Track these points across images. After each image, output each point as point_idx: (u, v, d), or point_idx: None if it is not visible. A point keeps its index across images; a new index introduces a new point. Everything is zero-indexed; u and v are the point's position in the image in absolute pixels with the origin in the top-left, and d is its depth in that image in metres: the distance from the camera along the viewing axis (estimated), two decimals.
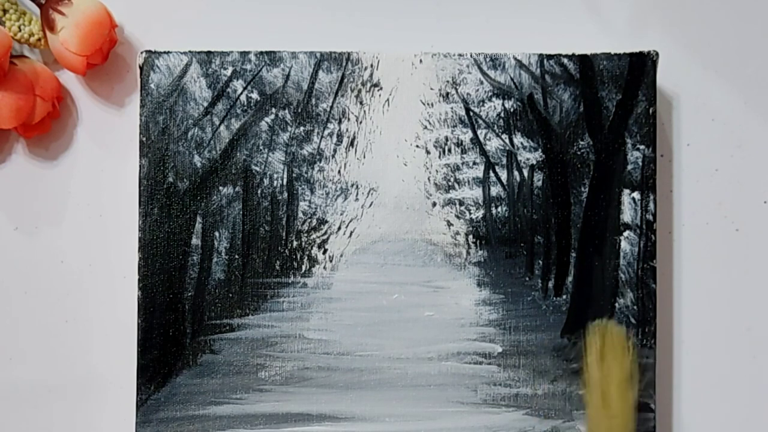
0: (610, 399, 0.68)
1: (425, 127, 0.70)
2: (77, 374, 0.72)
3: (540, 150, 0.70)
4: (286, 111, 0.70)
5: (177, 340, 0.69)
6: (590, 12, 0.74)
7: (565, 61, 0.70)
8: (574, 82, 0.70)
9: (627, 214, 0.70)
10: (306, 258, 0.70)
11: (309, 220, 0.70)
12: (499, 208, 0.70)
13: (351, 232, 0.70)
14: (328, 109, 0.70)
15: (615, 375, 0.68)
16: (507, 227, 0.70)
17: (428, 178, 0.70)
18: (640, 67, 0.70)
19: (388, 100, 0.70)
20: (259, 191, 0.70)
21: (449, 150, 0.70)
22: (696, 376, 0.72)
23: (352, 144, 0.70)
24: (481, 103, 0.70)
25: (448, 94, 0.70)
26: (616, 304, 0.69)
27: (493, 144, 0.70)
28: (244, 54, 0.70)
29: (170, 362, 0.69)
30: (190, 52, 0.70)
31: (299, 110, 0.70)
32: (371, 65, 0.70)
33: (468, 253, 0.70)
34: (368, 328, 0.69)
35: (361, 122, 0.70)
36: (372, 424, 0.69)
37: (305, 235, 0.70)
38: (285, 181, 0.70)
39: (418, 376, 0.69)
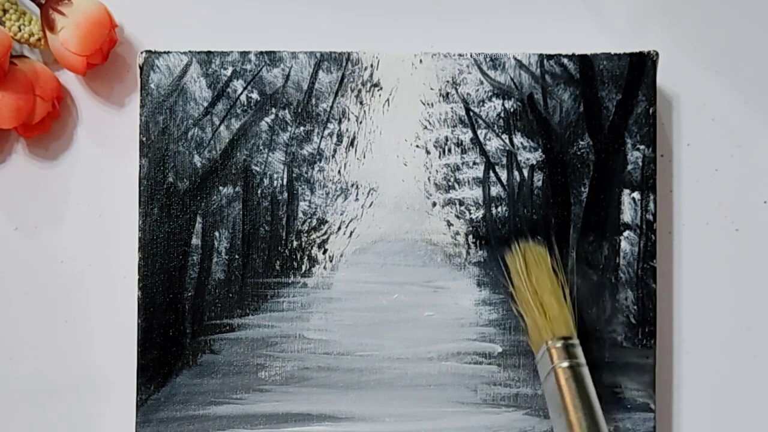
0: (547, 306, 0.67)
1: (425, 127, 0.70)
2: (77, 374, 0.72)
3: (540, 150, 0.70)
4: (286, 111, 0.70)
5: (177, 340, 0.69)
6: (590, 12, 0.74)
7: (565, 61, 0.70)
8: (574, 82, 0.70)
9: (627, 214, 0.70)
10: (306, 258, 0.70)
11: (309, 220, 0.70)
12: (499, 208, 0.70)
13: (351, 232, 0.70)
14: (328, 109, 0.70)
15: (546, 287, 0.67)
16: (507, 227, 0.70)
17: (428, 178, 0.70)
18: (640, 67, 0.70)
19: (388, 100, 0.70)
20: (259, 191, 0.70)
21: (449, 150, 0.70)
22: (696, 376, 0.72)
23: (352, 144, 0.70)
24: (481, 103, 0.70)
25: (448, 94, 0.70)
26: (616, 304, 0.69)
27: (493, 144, 0.70)
28: (244, 54, 0.70)
29: (170, 362, 0.69)
30: (190, 52, 0.70)
31: (299, 110, 0.70)
32: (371, 65, 0.70)
33: (468, 253, 0.70)
34: (368, 328, 0.69)
35: (361, 122, 0.70)
36: (372, 424, 0.69)
37: (305, 235, 0.70)
38: (285, 181, 0.70)
39: (418, 376, 0.69)
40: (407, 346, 0.69)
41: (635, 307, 0.69)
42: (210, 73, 0.70)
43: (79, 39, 0.69)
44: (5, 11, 0.71)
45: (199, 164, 0.70)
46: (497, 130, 0.70)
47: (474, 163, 0.70)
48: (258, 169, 0.70)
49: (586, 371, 0.66)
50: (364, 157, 0.70)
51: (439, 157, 0.70)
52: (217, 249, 0.70)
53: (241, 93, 0.70)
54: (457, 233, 0.70)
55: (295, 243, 0.70)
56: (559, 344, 0.66)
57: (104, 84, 0.73)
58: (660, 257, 0.72)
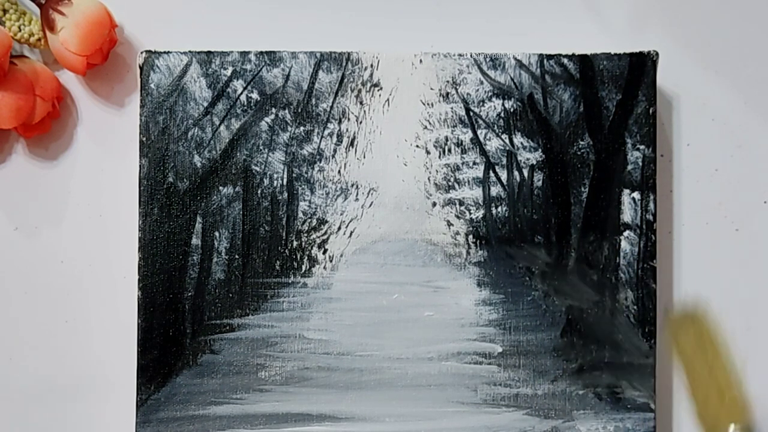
0: (724, 389, 0.66)
1: (425, 127, 0.70)
2: (77, 374, 0.72)
3: (540, 150, 0.70)
4: (286, 111, 0.70)
5: (177, 340, 0.69)
6: (590, 12, 0.74)
7: (565, 61, 0.70)
8: (574, 82, 0.70)
9: (627, 214, 0.70)
10: (306, 258, 0.70)
11: (309, 220, 0.70)
12: (499, 208, 0.70)
13: (351, 232, 0.70)
14: (328, 109, 0.70)
15: (721, 366, 0.66)
16: (507, 227, 0.70)
17: (428, 178, 0.70)
18: (640, 67, 0.70)
19: (388, 100, 0.70)
20: (259, 191, 0.70)
21: (449, 150, 0.70)
22: None
23: (352, 144, 0.70)
24: (481, 103, 0.70)
25: (448, 94, 0.70)
26: (616, 304, 0.69)
27: (493, 144, 0.70)
28: (244, 54, 0.70)
29: (170, 362, 0.69)
30: (190, 52, 0.70)
31: (299, 110, 0.70)
32: (371, 65, 0.70)
33: (468, 253, 0.70)
34: (368, 328, 0.69)
35: (361, 122, 0.70)
36: (372, 424, 0.69)
37: (305, 235, 0.70)
38: (285, 181, 0.70)
39: (418, 376, 0.69)
40: (407, 346, 0.69)
41: (635, 307, 0.69)
42: (210, 73, 0.70)
43: (79, 39, 0.69)
44: (5, 11, 0.71)
45: (199, 164, 0.70)
46: (497, 130, 0.70)
47: (474, 163, 0.70)
48: (258, 169, 0.70)
49: None
50: (364, 157, 0.70)
51: (439, 157, 0.70)
52: (217, 249, 0.70)
53: (241, 93, 0.70)
54: (457, 233, 0.70)
55: (295, 243, 0.70)
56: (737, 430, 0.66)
57: (104, 84, 0.73)
58: (660, 257, 0.72)
